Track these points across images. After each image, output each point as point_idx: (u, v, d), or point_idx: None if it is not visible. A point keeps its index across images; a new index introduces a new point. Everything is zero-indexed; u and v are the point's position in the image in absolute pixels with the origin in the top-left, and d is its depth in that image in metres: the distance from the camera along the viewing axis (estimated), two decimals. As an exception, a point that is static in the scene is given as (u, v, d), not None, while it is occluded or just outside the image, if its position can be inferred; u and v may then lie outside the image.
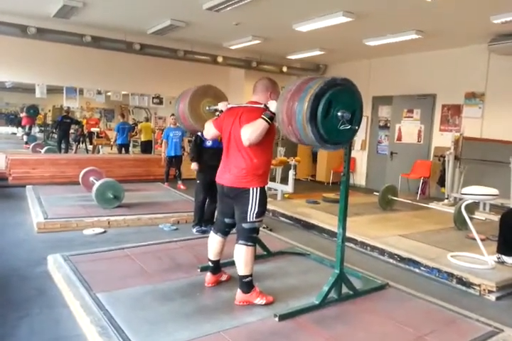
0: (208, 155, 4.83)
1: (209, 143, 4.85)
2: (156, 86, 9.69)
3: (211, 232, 3.20)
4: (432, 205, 6.54)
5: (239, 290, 2.93)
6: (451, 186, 6.90)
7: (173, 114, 7.92)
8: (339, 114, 2.49)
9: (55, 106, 15.65)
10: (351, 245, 4.67)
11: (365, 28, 6.93)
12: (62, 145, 11.24)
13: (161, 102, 10.11)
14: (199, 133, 4.66)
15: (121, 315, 2.67)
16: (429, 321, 2.84)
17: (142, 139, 11.05)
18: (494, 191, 3.91)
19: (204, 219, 5.06)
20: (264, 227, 5.05)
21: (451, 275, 3.75)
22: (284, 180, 7.08)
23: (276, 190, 7.00)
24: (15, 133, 18.20)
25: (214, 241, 3.15)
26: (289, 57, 9.69)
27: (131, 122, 13.17)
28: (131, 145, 11.12)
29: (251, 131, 2.72)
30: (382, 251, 4.44)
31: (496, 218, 4.91)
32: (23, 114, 15.08)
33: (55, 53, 8.21)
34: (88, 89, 9.19)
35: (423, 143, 8.72)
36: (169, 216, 5.56)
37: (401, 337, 2.62)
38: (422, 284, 3.71)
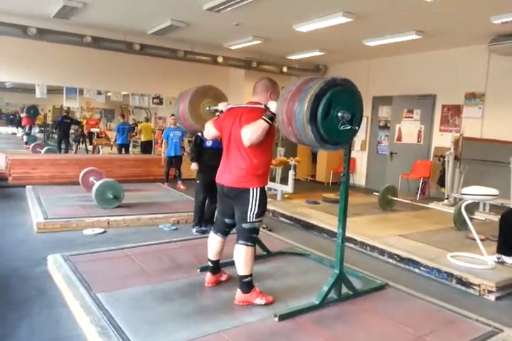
0: (208, 156, 4.83)
1: (209, 144, 4.85)
2: (156, 86, 9.69)
3: (211, 232, 3.20)
4: (432, 205, 6.54)
5: (239, 290, 2.93)
6: (451, 186, 6.90)
7: (173, 114, 7.92)
8: (339, 114, 2.49)
9: (55, 106, 15.68)
10: (351, 245, 4.67)
11: (365, 28, 6.94)
12: (62, 146, 11.25)
13: (161, 102, 10.12)
14: (199, 134, 4.66)
15: (121, 315, 2.67)
16: (429, 321, 2.84)
17: (142, 139, 11.05)
18: (494, 191, 3.91)
19: (204, 219, 5.06)
20: (263, 227, 5.05)
21: (450, 275, 3.76)
22: (284, 180, 7.08)
23: (276, 190, 7.00)
24: (15, 134, 18.22)
25: (214, 241, 3.15)
26: (289, 57, 9.69)
27: (131, 122, 13.18)
28: (131, 145, 11.12)
29: (251, 132, 2.72)
30: (381, 251, 4.44)
31: (496, 218, 4.90)
32: (23, 114, 15.11)
33: (55, 53, 8.22)
34: (88, 89, 9.21)
35: (423, 143, 8.72)
36: (169, 216, 5.56)
37: (401, 337, 2.62)
38: (422, 284, 3.71)
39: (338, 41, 8.02)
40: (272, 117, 2.72)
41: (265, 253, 3.94)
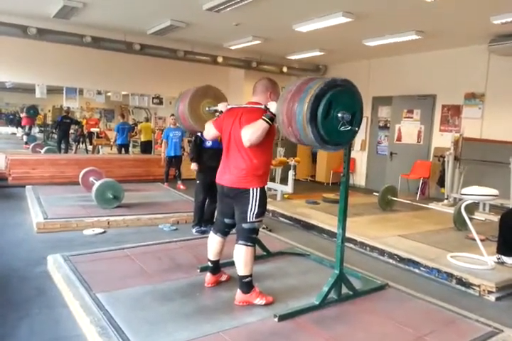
0: (208, 156, 4.83)
1: (209, 144, 4.85)
2: (155, 86, 9.69)
3: (211, 232, 3.20)
4: (432, 206, 6.54)
5: (239, 291, 2.93)
6: (450, 186, 6.91)
7: (172, 114, 7.92)
8: (339, 115, 2.49)
9: (55, 106, 15.67)
10: (351, 245, 4.67)
11: (364, 28, 6.94)
12: (62, 146, 11.25)
13: (160, 102, 10.12)
14: (199, 134, 4.66)
15: (121, 315, 2.67)
16: (429, 321, 2.84)
17: (142, 139, 11.05)
18: (494, 191, 3.91)
19: (204, 220, 5.06)
20: (263, 228, 5.05)
21: (450, 275, 3.76)
22: (284, 181, 7.08)
23: (275, 190, 7.00)
24: (15, 134, 18.22)
25: (214, 242, 3.15)
26: (289, 57, 9.70)
27: (131, 122, 13.17)
28: (131, 145, 11.12)
29: (251, 132, 2.72)
30: (381, 252, 4.44)
31: (496, 218, 4.90)
32: (23, 114, 15.11)
33: (55, 53, 8.22)
34: (88, 89, 9.21)
35: (423, 143, 8.72)
36: (169, 216, 5.56)
37: (401, 337, 2.62)
38: (422, 284, 3.71)
39: (337, 41, 8.02)
40: (272, 118, 2.72)
41: (265, 253, 3.94)
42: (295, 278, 3.52)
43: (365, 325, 2.75)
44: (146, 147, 10.93)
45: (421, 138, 8.76)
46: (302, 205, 6.46)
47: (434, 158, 8.33)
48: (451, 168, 6.86)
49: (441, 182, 7.49)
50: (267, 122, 2.72)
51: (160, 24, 7.42)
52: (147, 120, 12.46)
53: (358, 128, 2.64)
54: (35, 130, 15.92)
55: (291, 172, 6.66)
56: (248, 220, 2.86)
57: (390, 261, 4.32)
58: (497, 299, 3.46)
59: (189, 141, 7.73)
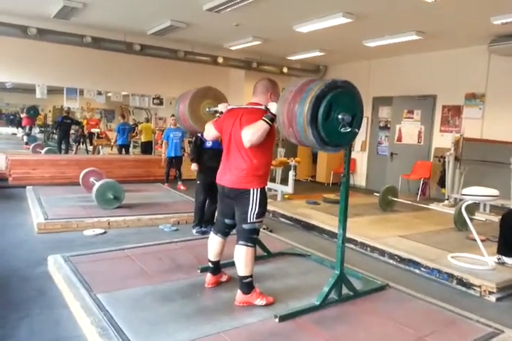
0: (208, 156, 4.83)
1: (209, 144, 4.85)
2: (156, 86, 9.70)
3: (211, 233, 3.20)
4: (432, 206, 6.54)
5: (239, 291, 2.93)
6: (451, 187, 6.90)
7: (173, 115, 7.94)
8: (340, 116, 2.49)
9: (56, 106, 15.65)
10: (351, 246, 4.67)
11: (365, 29, 6.94)
12: (63, 146, 11.25)
13: (161, 103, 10.12)
14: (199, 134, 4.66)
15: (122, 316, 2.67)
16: (430, 322, 2.84)
17: (142, 140, 11.05)
18: (494, 192, 3.91)
19: (204, 220, 5.06)
20: (264, 228, 5.04)
21: (451, 276, 3.76)
22: (284, 181, 7.08)
23: (276, 190, 6.99)
24: (15, 134, 18.22)
25: (214, 242, 3.15)
26: (289, 58, 9.70)
27: (131, 123, 13.17)
28: (131, 145, 11.11)
29: (252, 133, 2.72)
30: (382, 252, 4.44)
31: (496, 219, 4.91)
32: (23, 115, 15.10)
33: (55, 54, 8.22)
34: (88, 89, 9.21)
35: (423, 143, 8.72)
36: (169, 216, 5.56)
37: (401, 337, 2.62)
38: (422, 285, 3.71)
39: (338, 42, 8.02)
40: (273, 118, 2.72)
41: (265, 253, 3.94)
42: (295, 278, 3.52)
43: (365, 326, 2.74)
44: (147, 147, 10.93)
45: (421, 139, 8.75)
46: (303, 206, 6.46)
47: (434, 159, 8.33)
48: (452, 168, 6.86)
49: (441, 183, 7.49)
50: (268, 123, 2.72)
51: (160, 24, 7.42)
52: (147, 120, 12.47)
53: (358, 130, 2.64)
54: (36, 130, 15.92)
55: (291, 173, 6.66)
56: (248, 221, 2.86)
57: (391, 261, 4.32)
58: (498, 299, 3.45)
59: (189, 142, 7.74)
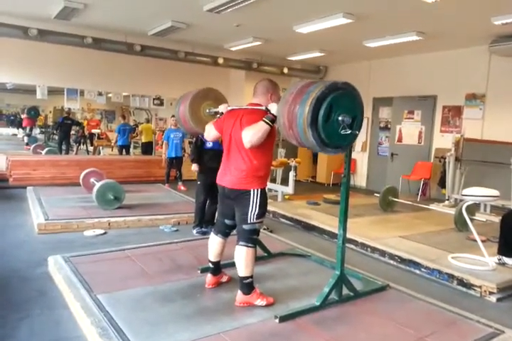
0: (209, 157, 4.84)
1: (209, 145, 4.85)
2: (156, 87, 9.70)
3: (211, 233, 3.21)
4: (433, 206, 6.54)
5: (239, 292, 2.93)
6: (451, 187, 6.90)
7: (173, 115, 7.93)
8: (340, 118, 2.49)
9: (56, 107, 15.70)
10: (352, 246, 4.66)
11: (365, 29, 6.94)
12: (63, 147, 11.27)
13: (161, 103, 10.13)
14: (200, 135, 4.66)
15: (122, 317, 2.67)
16: (430, 322, 2.84)
17: (143, 140, 11.06)
18: (495, 192, 3.91)
19: (204, 221, 5.06)
20: (264, 228, 5.05)
21: (451, 276, 3.75)
22: (285, 181, 7.07)
23: (276, 191, 6.99)
24: (16, 135, 18.25)
25: (214, 243, 3.15)
26: (290, 58, 9.70)
27: (131, 123, 13.19)
28: (131, 146, 11.12)
29: (252, 134, 2.72)
30: (382, 253, 4.44)
31: (497, 219, 4.91)
32: (23, 115, 15.13)
33: (56, 55, 8.23)
34: (89, 90, 9.21)
35: (424, 144, 8.72)
36: (170, 217, 5.56)
37: (401, 338, 2.62)
38: (423, 285, 3.71)
39: (338, 42, 8.02)
40: (273, 119, 2.72)
41: (266, 254, 3.94)
42: (296, 279, 3.51)
43: (365, 326, 2.74)
44: (147, 148, 10.94)
45: (422, 139, 8.75)
46: (303, 206, 6.46)
47: (435, 159, 8.33)
48: (452, 168, 6.85)
49: (442, 183, 7.48)
50: (268, 124, 2.72)
51: (161, 25, 7.43)
52: (148, 121, 12.49)
53: (359, 132, 2.63)
54: (36, 131, 15.95)
55: (291, 173, 6.66)
56: (249, 221, 2.86)
57: (391, 262, 4.31)
58: (498, 300, 3.45)
59: (190, 142, 7.73)
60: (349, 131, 2.53)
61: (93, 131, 12.71)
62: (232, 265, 3.05)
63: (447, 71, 8.09)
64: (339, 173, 9.02)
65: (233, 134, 2.91)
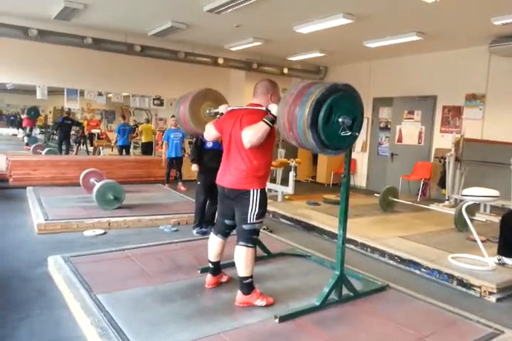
0: (209, 157, 4.84)
1: (209, 145, 4.85)
2: (156, 87, 9.71)
3: (211, 234, 3.21)
4: (433, 207, 6.54)
5: (239, 292, 2.93)
6: (451, 187, 6.90)
7: (173, 116, 7.94)
8: (340, 120, 2.49)
9: (56, 107, 15.70)
10: (352, 246, 4.66)
11: (365, 29, 6.94)
12: (63, 147, 11.27)
13: (161, 104, 10.13)
14: (199, 135, 4.66)
15: (122, 317, 2.67)
16: (430, 322, 2.84)
17: (143, 141, 11.06)
18: (495, 192, 3.91)
19: (204, 221, 5.06)
20: (264, 229, 5.05)
21: (451, 276, 3.75)
22: (285, 182, 7.07)
23: (276, 191, 6.99)
24: (16, 135, 18.25)
25: (214, 243, 3.15)
26: (290, 58, 9.70)
27: (131, 123, 13.19)
28: (131, 146, 11.12)
29: (252, 134, 2.72)
30: (382, 253, 4.44)
31: (497, 219, 4.91)
32: (23, 116, 15.14)
33: (56, 55, 8.24)
34: (89, 90, 9.22)
35: (424, 144, 8.72)
36: (170, 217, 5.56)
37: (401, 338, 2.62)
38: (423, 286, 3.71)
39: (338, 42, 8.03)
40: (273, 120, 2.72)
41: (266, 254, 3.94)
42: (296, 279, 3.51)
43: (365, 326, 2.74)
44: (147, 148, 10.94)
45: (422, 139, 8.75)
46: (303, 206, 6.46)
47: (435, 159, 8.33)
48: (452, 169, 6.85)
49: (442, 183, 7.48)
50: (268, 124, 2.72)
51: (161, 25, 7.43)
52: (148, 121, 12.49)
53: (359, 134, 2.63)
54: (36, 131, 15.95)
55: (291, 174, 6.66)
56: (249, 221, 2.86)
57: (391, 262, 4.31)
58: (498, 300, 3.45)
59: (190, 143, 7.73)
60: (349, 133, 2.53)
61: (93, 131, 12.71)
62: (232, 265, 3.05)
63: (447, 71, 8.09)
64: (339, 173, 9.02)
65: (233, 134, 2.91)
